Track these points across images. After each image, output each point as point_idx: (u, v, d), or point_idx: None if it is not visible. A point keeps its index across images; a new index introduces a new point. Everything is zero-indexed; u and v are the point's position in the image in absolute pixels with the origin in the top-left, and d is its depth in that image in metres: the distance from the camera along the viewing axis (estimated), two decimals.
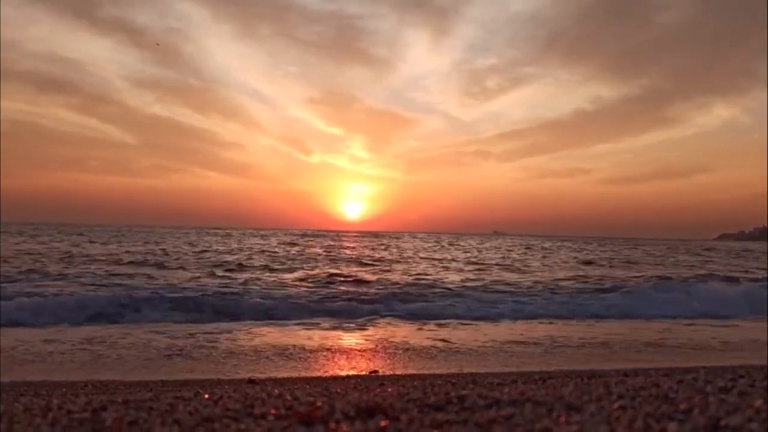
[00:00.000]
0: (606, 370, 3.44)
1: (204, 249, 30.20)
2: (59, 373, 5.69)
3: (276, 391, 2.43)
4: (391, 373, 5.57)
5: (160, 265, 19.66)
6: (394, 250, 33.54)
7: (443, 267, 22.19)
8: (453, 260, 26.19)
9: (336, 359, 6.65)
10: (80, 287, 13.46)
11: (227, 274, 17.57)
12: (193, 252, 27.64)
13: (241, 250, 30.54)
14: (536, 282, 16.70)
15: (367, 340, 8.11)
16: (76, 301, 10.86)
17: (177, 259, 22.83)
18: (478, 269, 21.28)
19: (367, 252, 31.36)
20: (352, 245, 39.96)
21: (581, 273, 20.68)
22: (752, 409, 1.47)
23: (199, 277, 16.28)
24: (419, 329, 8.96)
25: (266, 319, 10.15)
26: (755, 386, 1.87)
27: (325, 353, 6.96)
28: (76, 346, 7.10)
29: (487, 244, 46.57)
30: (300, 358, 6.61)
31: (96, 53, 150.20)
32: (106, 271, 17.15)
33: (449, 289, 14.40)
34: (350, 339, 8.21)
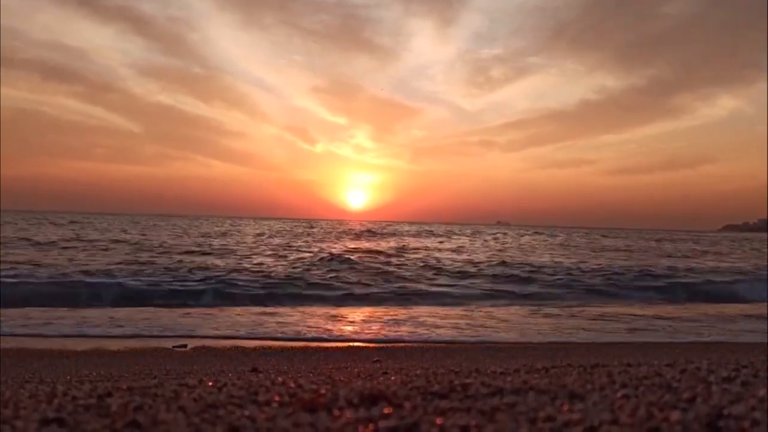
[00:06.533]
0: (609, 360, 3.45)
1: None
2: None
3: (279, 378, 2.44)
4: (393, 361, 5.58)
5: None
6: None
7: None
8: None
9: None
10: None
11: None
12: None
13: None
14: None
15: None
16: None
17: None
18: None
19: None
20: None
21: None
22: (755, 398, 1.47)
23: None
24: None
25: None
26: (758, 376, 1.87)
27: None
28: None
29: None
30: None
31: (100, 41, 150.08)
32: None
33: None
34: None
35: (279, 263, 19.92)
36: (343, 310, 12.33)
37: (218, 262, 19.84)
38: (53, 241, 25.74)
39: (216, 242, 29.66)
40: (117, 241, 27.47)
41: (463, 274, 18.74)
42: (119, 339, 8.57)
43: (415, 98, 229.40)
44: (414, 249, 29.19)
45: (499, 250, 30.62)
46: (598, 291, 15.64)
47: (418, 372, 2.66)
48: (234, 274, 16.12)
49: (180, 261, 19.65)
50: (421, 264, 20.98)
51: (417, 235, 48.84)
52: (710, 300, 14.95)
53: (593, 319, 11.67)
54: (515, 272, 19.41)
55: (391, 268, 19.22)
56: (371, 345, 8.55)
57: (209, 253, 23.09)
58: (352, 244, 32.38)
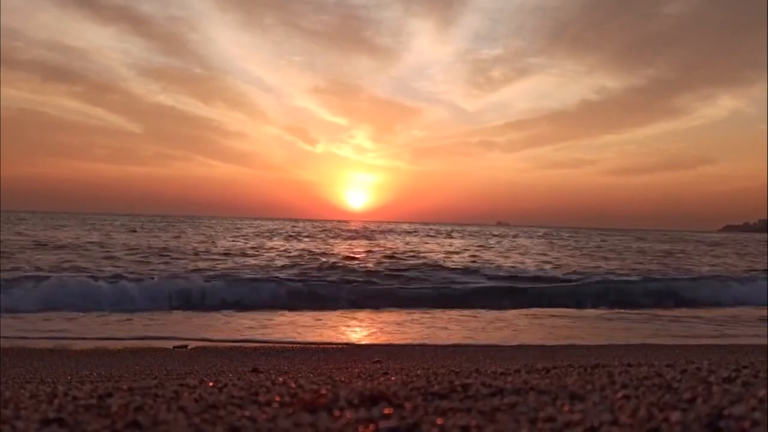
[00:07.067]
0: (609, 361, 3.46)
1: None
2: None
3: (280, 379, 2.44)
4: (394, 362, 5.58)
5: None
6: None
7: None
8: None
9: None
10: None
11: None
12: None
13: None
14: None
15: None
16: None
17: None
18: None
19: None
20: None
21: None
22: (756, 398, 1.47)
23: None
24: None
25: None
26: (759, 376, 1.87)
27: None
28: None
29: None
30: None
31: (100, 42, 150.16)
32: None
33: None
34: None
35: (279, 264, 19.92)
36: (344, 312, 12.33)
37: (218, 263, 19.86)
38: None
39: (217, 243, 29.67)
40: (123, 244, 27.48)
41: (464, 273, 18.72)
42: (120, 340, 8.58)
43: (415, 98, 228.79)
44: (415, 250, 29.20)
45: (501, 251, 30.65)
46: (598, 292, 15.64)
47: (418, 372, 2.66)
48: (235, 275, 16.11)
49: (177, 261, 19.66)
50: (424, 265, 20.97)
51: (418, 235, 48.88)
52: (710, 301, 14.94)
53: (593, 321, 11.68)
54: (516, 273, 19.40)
55: (392, 269, 19.21)
56: (372, 345, 8.54)
57: (208, 255, 23.10)
58: (353, 245, 32.38)
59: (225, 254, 23.32)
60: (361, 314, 12.05)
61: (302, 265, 19.86)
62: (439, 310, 12.70)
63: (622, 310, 13.04)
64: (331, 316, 11.57)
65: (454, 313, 12.19)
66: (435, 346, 8.19)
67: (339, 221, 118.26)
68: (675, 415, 1.31)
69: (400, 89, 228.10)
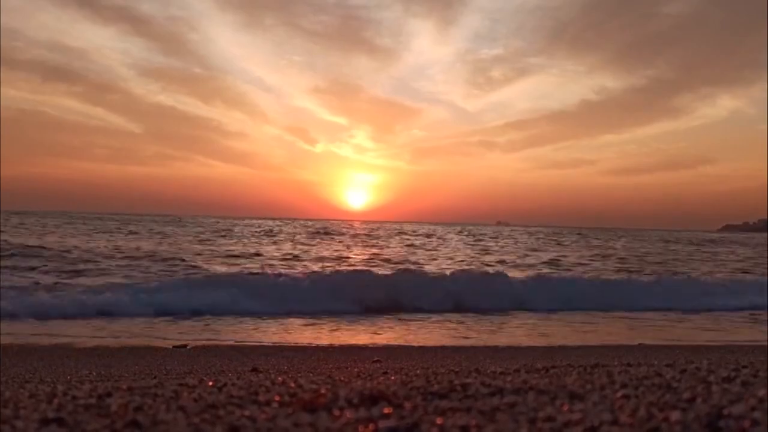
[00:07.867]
0: (609, 360, 3.46)
1: None
2: None
3: (280, 378, 2.44)
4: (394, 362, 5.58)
5: None
6: None
7: None
8: None
9: None
10: None
11: None
12: None
13: None
14: None
15: None
16: None
17: None
18: None
19: None
20: None
21: None
22: (755, 398, 1.47)
23: None
24: None
25: None
26: (758, 376, 1.87)
27: None
28: None
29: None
30: None
31: (100, 42, 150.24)
32: None
33: None
34: None
35: (278, 267, 19.91)
36: (345, 313, 12.33)
37: (220, 266, 19.87)
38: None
39: (220, 245, 29.67)
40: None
41: (463, 273, 18.70)
42: (119, 339, 8.58)
43: (415, 98, 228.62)
44: (416, 250, 29.21)
45: (501, 250, 30.67)
46: (597, 292, 15.62)
47: (418, 372, 2.66)
48: (235, 277, 16.11)
49: (177, 263, 19.67)
50: (425, 266, 20.96)
51: (419, 235, 48.90)
52: (708, 301, 14.92)
53: (592, 321, 11.68)
54: (516, 273, 19.39)
55: (393, 270, 19.20)
56: (371, 345, 8.54)
57: (210, 256, 23.10)
58: (356, 247, 32.37)
59: (233, 256, 23.32)
60: (361, 315, 12.05)
61: (300, 265, 19.86)
62: (437, 311, 12.69)
63: (622, 311, 13.03)
64: (332, 317, 11.57)
65: (451, 315, 12.18)
66: (434, 347, 8.19)
67: (340, 221, 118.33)
68: (675, 415, 1.31)
69: (400, 89, 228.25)
